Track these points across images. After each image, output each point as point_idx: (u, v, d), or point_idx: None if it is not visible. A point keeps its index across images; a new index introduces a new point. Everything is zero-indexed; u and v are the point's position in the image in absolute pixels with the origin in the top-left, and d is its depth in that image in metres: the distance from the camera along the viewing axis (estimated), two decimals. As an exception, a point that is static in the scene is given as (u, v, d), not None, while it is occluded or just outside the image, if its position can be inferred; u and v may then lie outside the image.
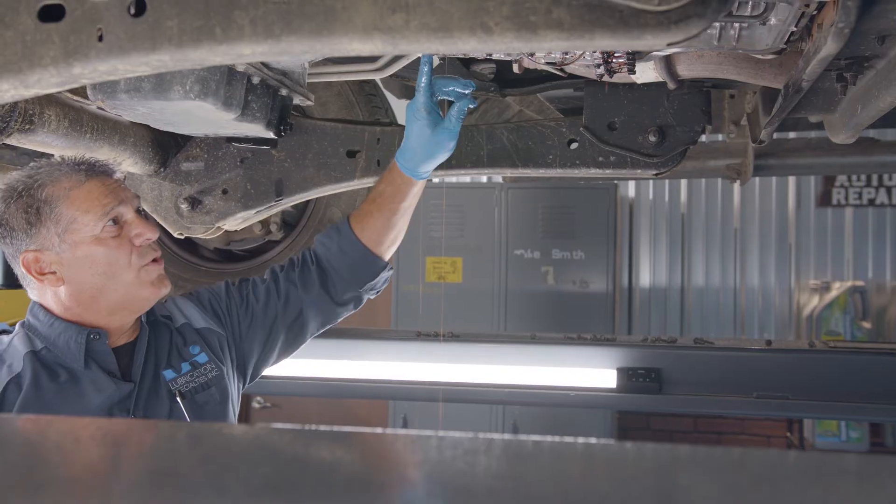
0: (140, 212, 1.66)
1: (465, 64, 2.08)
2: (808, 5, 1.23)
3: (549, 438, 0.65)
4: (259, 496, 0.54)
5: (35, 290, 1.64)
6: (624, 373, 2.27)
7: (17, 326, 1.66)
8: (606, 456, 0.64)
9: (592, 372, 2.35)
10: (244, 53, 0.93)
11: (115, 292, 1.61)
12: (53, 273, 1.58)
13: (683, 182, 5.95)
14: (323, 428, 0.69)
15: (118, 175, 1.67)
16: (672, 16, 0.80)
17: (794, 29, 1.33)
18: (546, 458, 0.63)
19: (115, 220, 1.60)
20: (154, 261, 1.65)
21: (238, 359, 1.86)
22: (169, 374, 1.69)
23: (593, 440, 0.66)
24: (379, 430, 0.68)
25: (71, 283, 1.59)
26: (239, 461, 0.62)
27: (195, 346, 1.76)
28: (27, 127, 1.65)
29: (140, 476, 0.60)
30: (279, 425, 0.72)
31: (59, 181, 1.57)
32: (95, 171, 1.62)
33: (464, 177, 5.74)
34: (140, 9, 0.94)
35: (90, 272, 1.58)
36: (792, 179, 5.85)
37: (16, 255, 1.58)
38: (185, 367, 1.72)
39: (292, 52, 0.91)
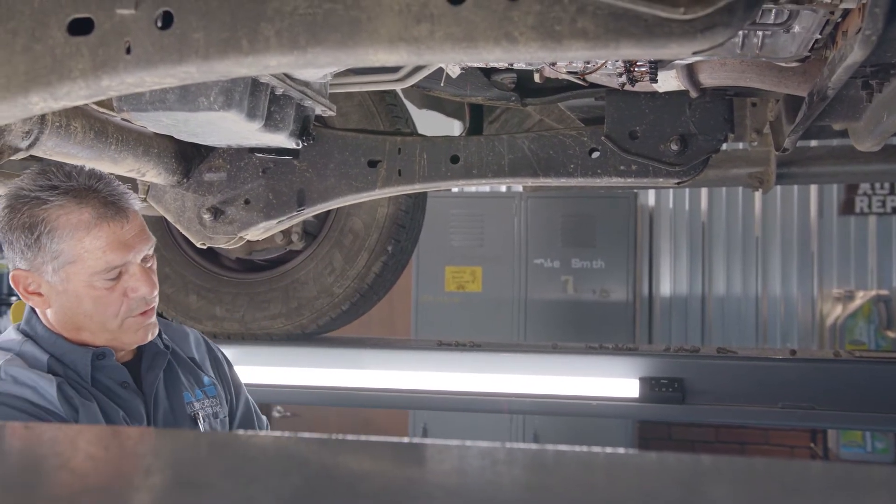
0: (151, 255, 1.58)
1: (486, 74, 2.08)
2: (832, 13, 1.22)
3: (573, 448, 0.65)
4: (287, 506, 0.54)
5: None
6: (647, 382, 2.25)
7: (15, 338, 1.56)
8: (631, 466, 0.64)
9: (615, 382, 2.33)
10: (270, 65, 0.93)
11: (98, 332, 1.55)
12: (40, 295, 1.52)
13: (704, 190, 5.91)
14: (350, 437, 0.69)
15: (135, 209, 1.56)
16: (697, 24, 0.79)
17: (819, 36, 1.32)
18: (571, 469, 0.63)
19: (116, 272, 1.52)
20: (143, 313, 1.57)
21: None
22: (187, 396, 1.67)
23: (620, 450, 0.65)
24: (405, 439, 0.68)
25: (56, 310, 1.53)
26: (267, 471, 0.62)
27: (208, 378, 1.74)
28: (55, 139, 1.66)
29: (168, 485, 0.61)
30: (306, 434, 0.72)
31: (67, 213, 1.47)
32: (108, 213, 1.50)
33: (483, 186, 5.74)
34: (167, 22, 0.95)
35: (76, 308, 1.52)
36: (814, 187, 5.79)
37: (9, 266, 1.53)
38: (199, 393, 1.70)
39: (318, 64, 0.91)
